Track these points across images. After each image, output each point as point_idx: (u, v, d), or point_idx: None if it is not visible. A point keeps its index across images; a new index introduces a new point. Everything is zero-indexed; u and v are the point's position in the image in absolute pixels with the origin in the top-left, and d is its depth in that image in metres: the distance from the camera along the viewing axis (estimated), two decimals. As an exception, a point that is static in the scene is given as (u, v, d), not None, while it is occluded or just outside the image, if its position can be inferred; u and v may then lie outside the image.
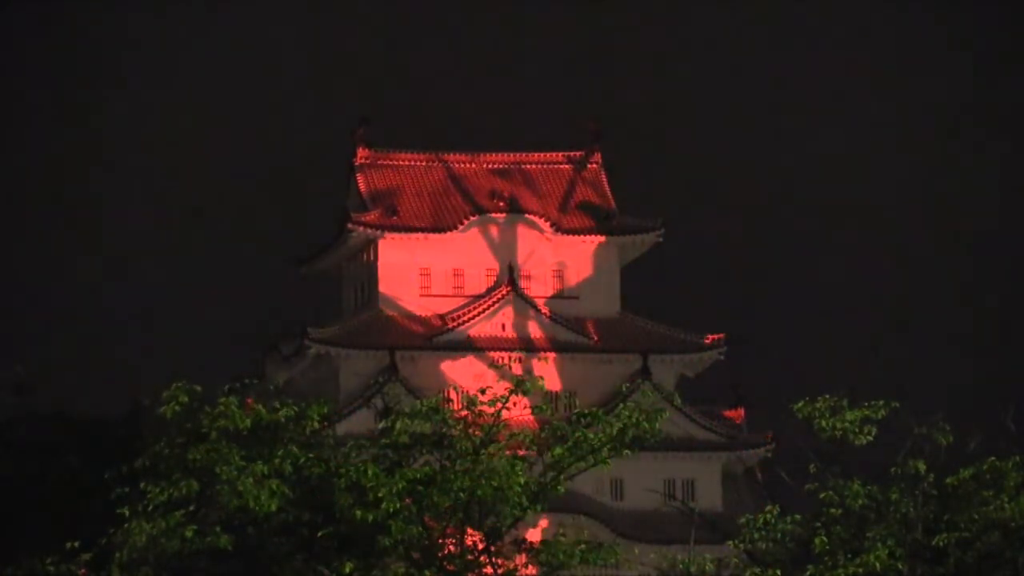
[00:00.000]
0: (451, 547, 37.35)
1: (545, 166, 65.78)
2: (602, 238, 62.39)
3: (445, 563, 37.27)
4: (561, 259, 61.49)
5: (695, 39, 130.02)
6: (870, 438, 39.48)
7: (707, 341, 61.75)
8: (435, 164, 64.13)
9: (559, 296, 61.29)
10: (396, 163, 63.92)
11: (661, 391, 54.45)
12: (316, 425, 39.36)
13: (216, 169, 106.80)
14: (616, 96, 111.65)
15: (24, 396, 42.06)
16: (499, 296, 59.57)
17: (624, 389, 51.14)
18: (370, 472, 37.54)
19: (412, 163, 64.02)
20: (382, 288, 59.44)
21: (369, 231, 59.58)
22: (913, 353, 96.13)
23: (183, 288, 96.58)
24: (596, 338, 57.69)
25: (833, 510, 38.79)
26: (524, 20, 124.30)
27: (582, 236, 62.36)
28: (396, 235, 59.96)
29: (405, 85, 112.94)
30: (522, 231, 61.98)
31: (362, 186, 62.61)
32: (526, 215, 61.66)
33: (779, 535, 39.70)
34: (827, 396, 40.38)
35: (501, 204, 61.90)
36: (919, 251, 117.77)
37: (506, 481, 37.72)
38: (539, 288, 61.78)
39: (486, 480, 37.40)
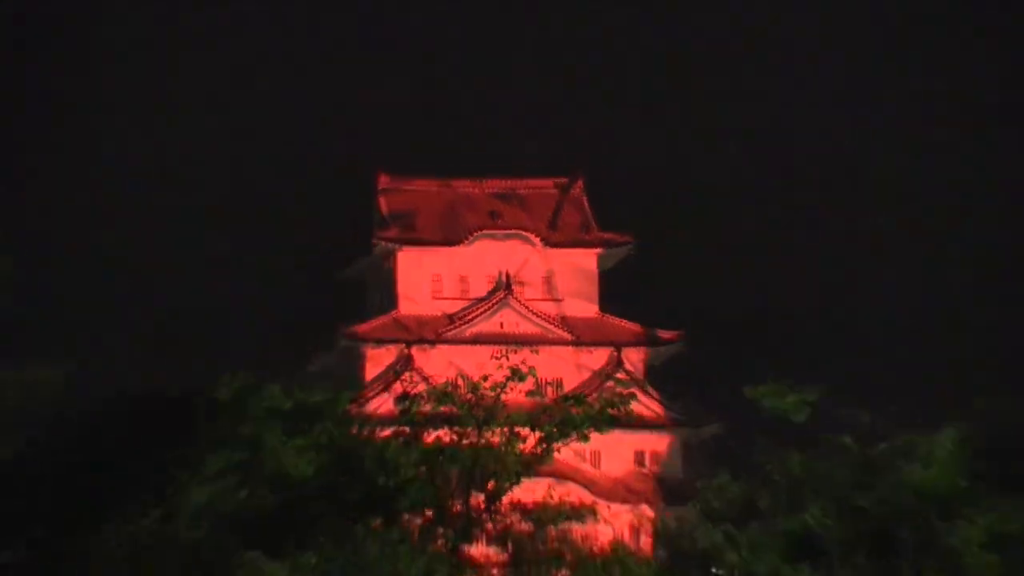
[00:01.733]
0: (458, 507, 37.65)
1: (536, 190, 66.08)
2: (583, 251, 62.71)
3: (453, 520, 37.58)
4: (549, 268, 61.77)
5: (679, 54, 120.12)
6: (805, 416, 39.87)
7: (670, 337, 61.85)
8: (445, 189, 64.44)
9: (548, 299, 61.55)
10: (412, 188, 64.23)
11: (632, 378, 54.70)
12: (346, 406, 39.66)
13: (252, 192, 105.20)
14: (599, 120, 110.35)
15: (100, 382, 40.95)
16: (498, 299, 59.87)
17: (602, 377, 51.40)
18: (391, 445, 37.83)
19: (426, 188, 64.26)
20: (400, 292, 59.71)
21: (390, 244, 59.89)
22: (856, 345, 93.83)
23: (232, 293, 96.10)
24: (578, 334, 57.95)
25: (775, 476, 39.16)
26: (518, 59, 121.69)
27: (567, 249, 62.65)
28: (412, 248, 60.27)
29: (420, 118, 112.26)
30: (517, 245, 62.28)
31: (384, 207, 62.87)
32: (520, 232, 61.97)
33: (730, 497, 40.03)
34: (771, 381, 40.79)
35: (500, 222, 62.26)
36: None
37: (504, 453, 38.06)
38: (531, 292, 62.07)
39: (487, 452, 37.71)
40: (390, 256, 59.14)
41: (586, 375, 56.21)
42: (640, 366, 59.33)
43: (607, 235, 63.33)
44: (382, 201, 62.53)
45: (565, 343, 57.39)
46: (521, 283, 61.36)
